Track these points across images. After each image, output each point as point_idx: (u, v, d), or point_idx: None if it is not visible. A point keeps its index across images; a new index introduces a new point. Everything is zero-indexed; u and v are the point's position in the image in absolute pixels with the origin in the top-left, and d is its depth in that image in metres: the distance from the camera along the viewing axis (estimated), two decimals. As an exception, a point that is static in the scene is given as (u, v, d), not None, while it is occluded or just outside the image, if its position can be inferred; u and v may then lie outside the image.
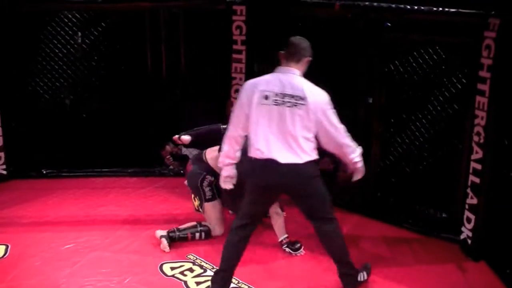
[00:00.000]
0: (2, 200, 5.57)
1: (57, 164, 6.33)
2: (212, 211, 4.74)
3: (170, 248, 4.54)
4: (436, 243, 4.78)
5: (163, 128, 6.17)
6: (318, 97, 3.65)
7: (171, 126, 6.45)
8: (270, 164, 3.63)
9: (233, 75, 6.05)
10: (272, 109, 3.62)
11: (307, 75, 3.80)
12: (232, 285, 4.00)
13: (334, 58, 5.36)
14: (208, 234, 4.72)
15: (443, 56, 4.75)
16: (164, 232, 4.63)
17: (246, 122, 3.70)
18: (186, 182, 4.90)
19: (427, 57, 4.83)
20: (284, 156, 3.62)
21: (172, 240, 4.60)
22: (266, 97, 3.63)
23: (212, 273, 4.16)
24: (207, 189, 4.70)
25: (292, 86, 3.63)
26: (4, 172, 6.07)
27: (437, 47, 4.77)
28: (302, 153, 3.63)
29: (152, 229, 4.90)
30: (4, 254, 4.44)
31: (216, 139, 4.63)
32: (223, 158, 3.87)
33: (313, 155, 3.70)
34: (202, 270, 4.26)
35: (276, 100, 3.62)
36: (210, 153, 4.77)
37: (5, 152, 6.02)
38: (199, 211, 4.82)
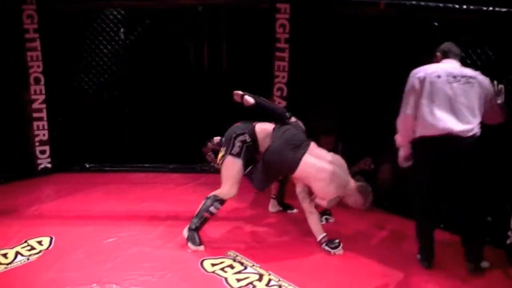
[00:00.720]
0: (47, 193, 5.68)
1: (100, 159, 6.43)
2: (232, 167, 4.57)
3: (203, 244, 4.52)
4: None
5: (205, 125, 6.20)
6: (483, 77, 4.13)
7: (212, 124, 6.50)
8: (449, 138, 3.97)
9: (276, 73, 6.05)
10: (446, 87, 4.01)
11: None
12: (273, 282, 4.01)
13: (378, 57, 5.30)
14: (222, 201, 4.56)
15: (492, 57, 4.63)
16: (186, 231, 4.59)
17: (418, 102, 4.04)
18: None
19: (475, 58, 4.73)
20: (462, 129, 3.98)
21: (197, 230, 4.55)
22: (439, 76, 4.03)
23: (252, 270, 4.17)
24: (237, 144, 4.57)
25: (458, 70, 4.10)
26: (49, 166, 6.18)
27: (486, 48, 4.66)
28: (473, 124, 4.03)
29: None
30: (49, 246, 4.52)
31: (276, 119, 4.70)
32: (403, 138, 4.19)
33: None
34: (242, 267, 4.25)
35: (448, 79, 4.03)
36: (261, 126, 4.70)
37: (50, 146, 6.13)
38: (217, 165, 4.74)
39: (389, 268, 4.29)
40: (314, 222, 4.61)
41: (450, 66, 4.14)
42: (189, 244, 4.51)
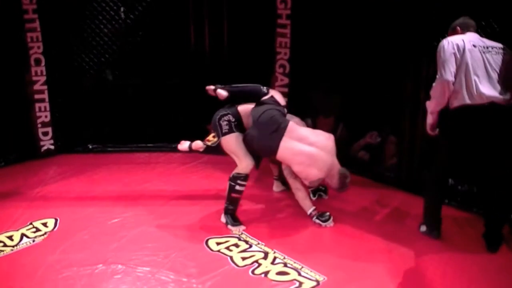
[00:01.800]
0: (50, 175, 5.67)
1: (103, 139, 6.42)
2: (231, 143, 4.59)
3: (242, 224, 4.55)
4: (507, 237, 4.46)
5: (207, 103, 6.16)
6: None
7: (214, 102, 6.46)
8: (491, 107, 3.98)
9: (278, 49, 6.00)
10: (482, 56, 4.02)
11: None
12: (278, 260, 4.03)
13: (382, 32, 5.25)
14: (244, 177, 4.53)
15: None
16: (223, 217, 4.60)
17: (459, 69, 4.01)
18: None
19: (479, 30, 4.64)
20: (503, 98, 4.00)
21: (233, 212, 4.58)
22: (474, 46, 4.03)
23: (257, 248, 4.17)
24: (223, 124, 4.60)
25: (485, 41, 4.12)
26: (52, 147, 6.17)
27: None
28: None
29: (197, 204, 4.95)
30: (54, 227, 4.52)
31: (255, 99, 4.67)
32: (437, 105, 4.12)
33: None
34: (247, 246, 4.25)
35: (482, 49, 4.04)
36: (244, 106, 4.69)
37: (53, 127, 6.12)
38: (211, 146, 4.86)
39: (393, 244, 4.29)
40: (301, 197, 4.66)
41: (476, 37, 4.13)
42: (230, 227, 4.53)
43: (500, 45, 4.12)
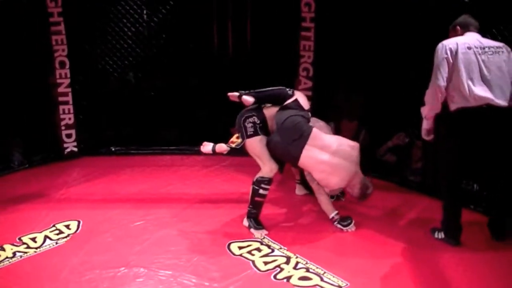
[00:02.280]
0: (74, 177, 5.70)
1: (126, 142, 6.45)
2: (256, 146, 4.54)
3: (265, 228, 4.51)
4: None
5: (230, 105, 6.15)
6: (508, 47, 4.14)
7: (238, 104, 6.45)
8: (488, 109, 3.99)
9: (302, 53, 5.97)
10: (478, 58, 4.01)
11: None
12: (300, 265, 3.99)
13: (405, 34, 5.20)
14: (268, 181, 4.49)
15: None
16: (246, 221, 4.58)
17: (452, 73, 4.02)
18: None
19: (506, 34, 4.60)
20: (499, 100, 4.00)
21: (256, 216, 4.54)
22: (469, 48, 4.01)
23: (280, 253, 4.14)
24: (248, 126, 4.54)
25: (483, 41, 4.10)
26: (75, 149, 6.22)
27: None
28: None
29: (219, 208, 4.94)
30: (77, 230, 4.54)
31: (280, 101, 4.61)
32: (431, 110, 4.15)
33: None
34: (270, 250, 4.22)
35: (478, 50, 4.02)
36: (269, 111, 4.63)
37: (76, 129, 6.16)
38: (235, 148, 4.71)
39: (417, 250, 4.23)
40: (324, 202, 4.61)
41: (474, 38, 4.11)
42: (252, 231, 4.50)
43: (499, 44, 4.11)
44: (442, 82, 4.02)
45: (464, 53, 4.00)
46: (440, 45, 4.07)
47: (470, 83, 3.98)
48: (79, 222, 4.65)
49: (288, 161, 4.67)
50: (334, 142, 4.45)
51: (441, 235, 4.36)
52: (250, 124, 4.54)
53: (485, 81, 4.01)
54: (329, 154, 4.38)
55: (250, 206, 4.54)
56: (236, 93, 4.68)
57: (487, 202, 4.54)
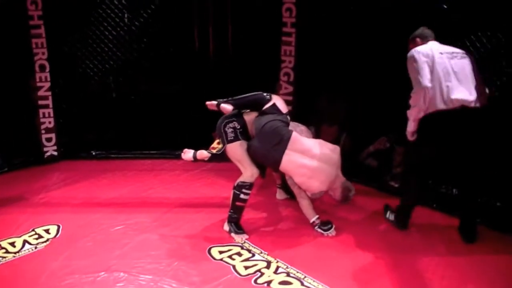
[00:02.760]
0: (54, 181, 5.67)
1: (106, 146, 6.42)
2: (237, 151, 4.55)
3: (246, 233, 4.53)
4: (490, 234, 4.59)
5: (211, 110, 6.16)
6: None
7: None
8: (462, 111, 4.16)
9: (283, 58, 6.00)
10: (449, 62, 4.19)
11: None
12: (281, 269, 4.01)
13: (386, 40, 5.24)
14: (249, 185, 4.50)
15: (503, 40, 4.58)
16: (226, 225, 4.60)
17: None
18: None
19: (484, 40, 4.67)
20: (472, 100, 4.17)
21: (237, 221, 4.55)
22: (441, 53, 4.21)
23: (260, 258, 4.16)
24: (229, 131, 4.55)
25: (448, 48, 4.29)
26: (55, 153, 6.18)
27: (496, 30, 4.60)
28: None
29: (200, 212, 4.94)
30: (56, 234, 4.51)
31: (259, 107, 4.63)
32: (418, 112, 4.21)
33: None
34: (250, 255, 4.23)
35: (447, 55, 4.22)
36: (249, 115, 4.65)
37: (56, 133, 6.12)
38: (216, 153, 4.72)
39: (397, 254, 4.27)
40: (305, 206, 4.63)
41: (439, 45, 4.30)
42: (233, 235, 4.51)
43: (462, 51, 4.30)
44: (429, 83, 4.12)
45: (439, 58, 4.17)
46: (414, 52, 4.21)
47: (448, 85, 4.13)
48: (58, 226, 4.62)
49: (269, 165, 4.69)
50: (314, 146, 4.47)
51: (391, 216, 4.65)
52: (231, 129, 4.56)
53: (460, 83, 4.15)
54: (309, 158, 4.40)
55: (231, 210, 4.55)
56: (214, 102, 4.70)
57: (457, 204, 4.68)
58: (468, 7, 4.69)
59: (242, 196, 4.50)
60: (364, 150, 5.79)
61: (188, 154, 5.02)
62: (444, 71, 4.14)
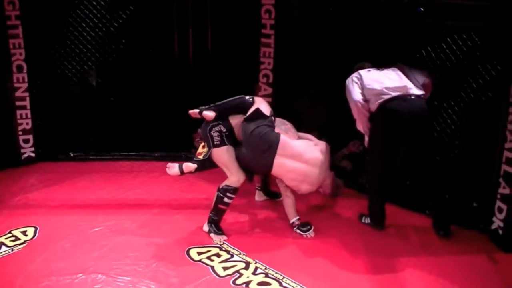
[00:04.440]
0: (31, 183, 5.61)
1: (85, 147, 6.37)
2: (223, 156, 4.51)
3: (224, 234, 4.53)
4: (466, 233, 4.68)
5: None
6: None
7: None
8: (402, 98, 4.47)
9: (262, 59, 6.02)
10: (380, 71, 4.66)
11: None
12: (260, 270, 4.03)
13: (365, 43, 5.27)
14: (233, 190, 4.51)
15: (478, 42, 4.64)
16: (206, 226, 4.59)
17: (362, 88, 4.55)
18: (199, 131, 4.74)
19: (460, 43, 4.73)
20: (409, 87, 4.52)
21: (217, 222, 4.55)
22: (370, 69, 4.69)
23: (239, 259, 4.16)
24: (215, 135, 4.50)
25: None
26: (33, 155, 6.11)
27: (472, 33, 4.66)
28: None
29: (179, 214, 4.94)
30: (33, 236, 4.47)
31: (243, 111, 4.60)
32: (363, 124, 4.57)
33: None
34: (229, 256, 4.24)
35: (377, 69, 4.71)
36: (235, 119, 4.61)
37: (34, 135, 6.06)
38: (202, 160, 4.63)
39: (376, 254, 4.32)
40: (289, 205, 4.66)
41: (371, 68, 4.71)
42: (212, 235, 4.51)
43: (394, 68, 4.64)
44: (358, 97, 4.50)
45: (367, 72, 4.61)
46: (347, 80, 4.62)
47: (382, 81, 4.48)
48: (36, 228, 4.58)
49: (259, 172, 4.73)
50: (304, 150, 4.49)
51: (367, 220, 4.76)
52: (217, 133, 4.52)
53: (393, 78, 4.51)
54: (300, 162, 4.43)
55: (212, 212, 4.55)
56: (196, 110, 4.65)
57: (423, 200, 4.86)
58: (443, 10, 4.75)
59: (225, 199, 4.50)
60: (338, 153, 5.81)
61: (173, 169, 4.79)
62: (375, 77, 4.52)
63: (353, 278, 4.01)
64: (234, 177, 4.51)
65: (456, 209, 4.90)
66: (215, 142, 4.52)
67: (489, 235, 4.57)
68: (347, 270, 4.10)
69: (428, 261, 4.22)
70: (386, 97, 4.41)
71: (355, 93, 4.51)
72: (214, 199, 4.55)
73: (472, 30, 4.66)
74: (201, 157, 4.69)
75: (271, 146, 4.43)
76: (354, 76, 4.59)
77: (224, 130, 4.54)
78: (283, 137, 4.49)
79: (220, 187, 4.53)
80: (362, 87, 4.51)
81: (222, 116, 4.60)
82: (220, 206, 4.53)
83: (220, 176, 4.61)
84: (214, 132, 4.52)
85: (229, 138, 4.56)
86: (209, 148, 4.58)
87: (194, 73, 6.38)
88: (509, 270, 4.16)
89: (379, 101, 4.43)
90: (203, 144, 4.71)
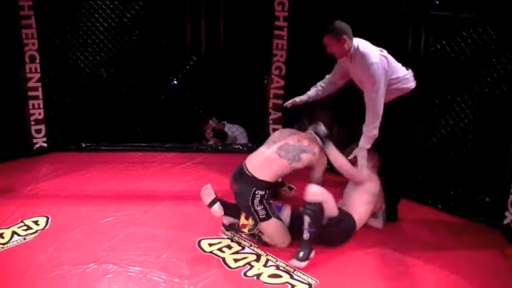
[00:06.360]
0: (43, 173, 5.63)
1: (96, 138, 6.38)
2: (270, 229, 4.21)
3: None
4: (478, 228, 4.65)
5: (203, 103, 6.16)
6: None
7: (210, 102, 6.45)
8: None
9: (274, 52, 5.98)
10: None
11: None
12: (271, 263, 4.03)
13: (379, 37, 5.23)
14: (266, 244, 4.27)
15: (494, 36, 4.59)
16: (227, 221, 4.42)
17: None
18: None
19: (476, 37, 4.69)
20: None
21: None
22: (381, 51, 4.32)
23: (250, 250, 4.17)
24: (259, 208, 4.11)
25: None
26: (45, 145, 6.13)
27: (488, 27, 4.61)
28: None
29: (190, 205, 4.91)
30: (45, 226, 4.49)
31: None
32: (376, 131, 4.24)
33: None
34: (240, 247, 4.24)
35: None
36: (255, 161, 4.24)
37: (46, 125, 6.08)
38: (247, 232, 4.27)
39: (386, 247, 4.30)
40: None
41: (366, 42, 4.31)
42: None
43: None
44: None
45: (387, 58, 4.26)
46: (376, 68, 4.15)
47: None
48: (47, 218, 4.60)
49: None
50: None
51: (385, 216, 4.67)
52: (260, 207, 4.14)
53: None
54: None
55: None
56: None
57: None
58: (458, 3, 4.71)
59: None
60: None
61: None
62: (394, 65, 4.31)
63: (363, 271, 4.00)
64: (280, 246, 4.25)
65: (469, 204, 4.88)
66: (261, 217, 4.15)
67: (501, 230, 4.53)
68: (358, 264, 4.09)
69: (439, 255, 4.19)
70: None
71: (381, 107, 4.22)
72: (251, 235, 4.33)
73: (487, 23, 4.60)
74: (246, 230, 4.29)
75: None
76: (383, 65, 4.20)
77: (263, 193, 4.13)
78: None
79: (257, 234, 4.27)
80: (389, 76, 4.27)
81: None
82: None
83: (233, 167, 4.49)
84: (257, 206, 4.12)
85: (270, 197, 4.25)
86: (256, 223, 4.19)
87: (206, 64, 6.37)
88: (521, 265, 4.13)
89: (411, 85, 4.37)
90: (245, 215, 4.29)
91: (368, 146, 4.30)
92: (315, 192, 4.03)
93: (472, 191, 4.92)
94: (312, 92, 4.73)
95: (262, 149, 4.37)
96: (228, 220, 4.41)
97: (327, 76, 4.70)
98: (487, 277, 3.94)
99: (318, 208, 3.98)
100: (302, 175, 4.42)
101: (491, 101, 4.70)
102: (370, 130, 4.23)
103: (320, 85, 4.72)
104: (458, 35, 4.77)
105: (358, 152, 4.33)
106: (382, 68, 4.16)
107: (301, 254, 3.95)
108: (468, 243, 4.40)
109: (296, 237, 4.16)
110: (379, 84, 4.14)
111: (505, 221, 4.50)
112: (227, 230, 4.43)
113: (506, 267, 4.11)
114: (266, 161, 4.20)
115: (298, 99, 4.72)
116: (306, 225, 3.96)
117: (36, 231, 4.40)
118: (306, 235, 3.97)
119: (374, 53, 4.19)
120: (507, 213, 4.48)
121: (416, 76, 4.45)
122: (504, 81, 4.57)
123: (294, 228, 4.22)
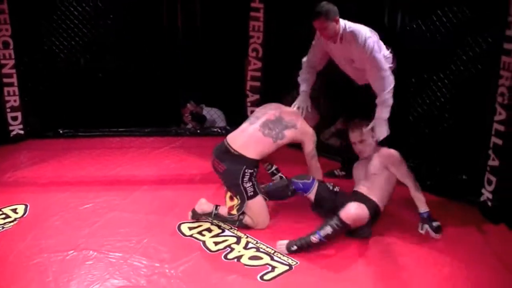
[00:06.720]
0: (20, 160, 5.60)
1: (74, 124, 6.33)
2: (257, 207, 4.23)
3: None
4: (455, 205, 4.72)
5: (180, 86, 6.12)
6: None
7: (187, 84, 6.42)
8: None
9: (251, 33, 5.96)
10: None
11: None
12: (251, 245, 4.04)
13: (355, 18, 5.23)
14: (246, 226, 4.26)
15: (469, 15, 4.61)
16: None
17: None
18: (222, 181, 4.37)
19: (451, 15, 4.70)
20: None
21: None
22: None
23: (230, 233, 4.18)
24: (247, 185, 4.14)
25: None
26: (21, 132, 6.07)
27: (463, 6, 4.63)
28: None
29: (169, 189, 4.93)
30: (24, 214, 4.46)
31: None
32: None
33: None
34: (220, 230, 4.25)
35: None
36: (240, 139, 4.24)
37: (22, 112, 6.01)
38: (234, 214, 4.24)
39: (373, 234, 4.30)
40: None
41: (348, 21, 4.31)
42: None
43: None
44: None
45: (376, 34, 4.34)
46: (371, 42, 4.20)
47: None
48: (26, 206, 4.57)
49: None
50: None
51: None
52: (249, 184, 4.16)
53: None
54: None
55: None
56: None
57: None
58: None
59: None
60: (326, 131, 5.74)
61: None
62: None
63: (344, 253, 4.01)
64: (263, 225, 4.28)
65: (446, 182, 4.94)
66: (249, 195, 4.18)
67: (478, 207, 4.60)
68: (338, 245, 4.07)
69: (418, 233, 4.24)
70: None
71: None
72: (230, 219, 4.30)
73: (463, 2, 4.62)
74: (233, 212, 4.26)
75: None
76: (376, 39, 4.28)
77: (252, 171, 4.17)
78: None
79: (239, 223, 4.25)
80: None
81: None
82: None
83: (211, 149, 4.48)
84: (246, 184, 4.15)
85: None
86: (243, 201, 4.20)
87: (183, 46, 6.33)
88: (498, 241, 4.19)
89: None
90: (229, 195, 4.30)
91: (386, 115, 4.28)
92: (351, 217, 3.97)
93: (449, 169, 4.97)
94: (307, 88, 4.67)
95: (244, 125, 4.37)
96: (201, 208, 4.36)
97: (304, 61, 4.66)
98: (465, 253, 4.00)
99: (344, 228, 3.98)
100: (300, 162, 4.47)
101: (467, 80, 4.73)
102: (386, 98, 4.23)
103: (305, 77, 4.68)
104: (434, 14, 4.78)
105: (376, 124, 4.33)
106: (376, 42, 4.25)
107: (293, 248, 3.96)
108: (446, 220, 4.42)
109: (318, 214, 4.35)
110: (379, 53, 4.24)
111: (482, 198, 4.57)
112: (193, 217, 4.37)
113: (484, 242, 4.18)
114: (251, 139, 4.22)
115: (305, 105, 4.63)
116: (322, 233, 3.95)
117: (15, 219, 4.37)
118: (315, 239, 3.95)
119: (365, 29, 4.24)
120: (483, 191, 4.54)
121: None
122: (479, 59, 4.60)
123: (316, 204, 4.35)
